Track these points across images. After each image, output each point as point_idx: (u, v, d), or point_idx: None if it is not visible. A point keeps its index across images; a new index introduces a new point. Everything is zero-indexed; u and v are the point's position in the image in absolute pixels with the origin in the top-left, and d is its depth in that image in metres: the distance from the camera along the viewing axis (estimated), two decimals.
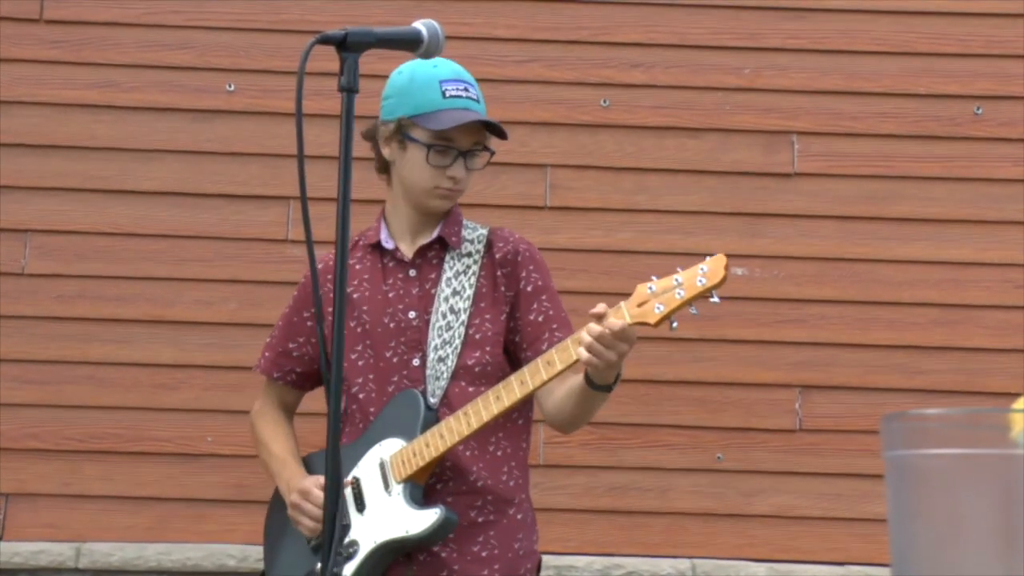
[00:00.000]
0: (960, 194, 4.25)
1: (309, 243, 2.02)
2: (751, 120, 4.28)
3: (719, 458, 4.16)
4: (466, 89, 2.63)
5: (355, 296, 2.69)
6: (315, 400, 2.81)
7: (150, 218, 4.21)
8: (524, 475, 2.71)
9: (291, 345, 2.80)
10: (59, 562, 4.03)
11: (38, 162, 4.21)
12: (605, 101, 4.28)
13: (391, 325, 2.65)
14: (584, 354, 2.35)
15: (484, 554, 2.59)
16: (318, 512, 2.55)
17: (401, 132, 2.63)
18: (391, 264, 2.70)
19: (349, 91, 2.08)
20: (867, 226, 4.24)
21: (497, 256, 2.68)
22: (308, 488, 2.59)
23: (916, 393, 4.15)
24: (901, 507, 1.26)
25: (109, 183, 4.22)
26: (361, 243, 2.77)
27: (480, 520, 2.60)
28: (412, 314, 2.64)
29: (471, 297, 2.64)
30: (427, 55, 2.25)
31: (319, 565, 2.52)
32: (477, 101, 2.65)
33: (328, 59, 2.15)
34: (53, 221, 4.20)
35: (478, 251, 2.68)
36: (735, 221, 4.24)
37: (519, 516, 2.66)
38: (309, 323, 2.76)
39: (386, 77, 4.19)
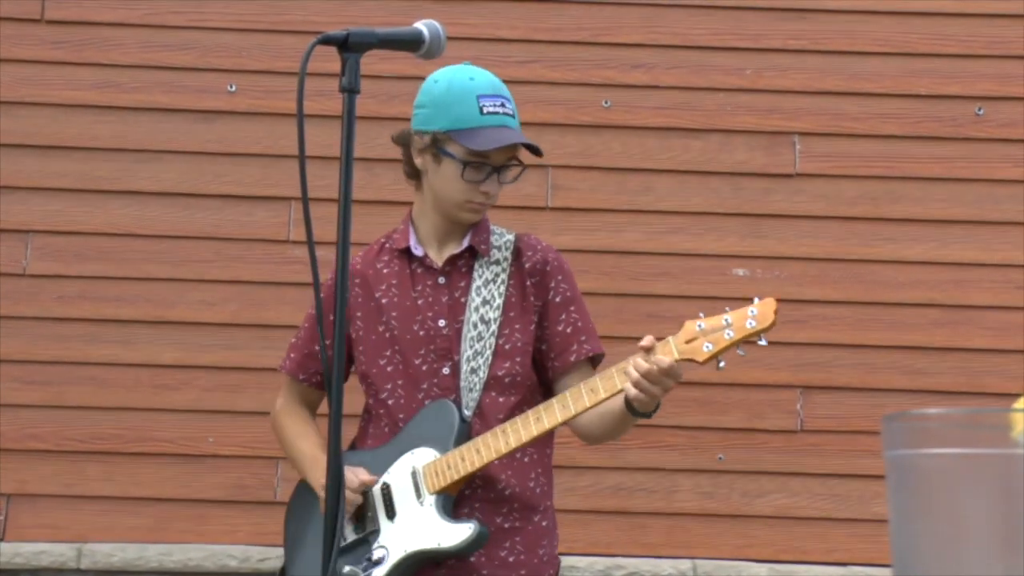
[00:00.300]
0: (961, 195, 4.25)
1: (310, 244, 2.02)
2: (753, 121, 4.28)
3: (720, 459, 4.15)
4: (503, 104, 2.62)
5: (384, 301, 2.70)
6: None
7: (151, 219, 4.21)
8: (549, 482, 2.73)
9: (317, 347, 2.79)
10: (60, 563, 4.03)
11: (39, 162, 4.22)
12: (606, 102, 4.28)
13: (420, 333, 2.65)
14: (632, 390, 2.40)
15: (511, 559, 2.62)
16: (350, 495, 2.58)
17: (436, 145, 2.61)
18: (419, 270, 2.70)
19: (350, 92, 2.08)
20: (868, 227, 4.24)
21: (527, 265, 2.69)
22: (347, 479, 2.59)
23: (917, 394, 4.15)
24: (902, 507, 1.26)
25: (110, 183, 4.22)
26: (388, 247, 2.77)
27: (507, 526, 2.63)
28: (442, 322, 2.65)
29: (501, 307, 2.64)
30: (428, 56, 2.25)
31: (347, 568, 2.55)
32: (512, 116, 2.63)
33: (329, 60, 2.15)
34: (54, 221, 4.20)
35: (506, 258, 2.69)
36: (736, 222, 4.24)
37: (544, 523, 2.69)
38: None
39: (388, 78, 4.20)
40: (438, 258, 2.70)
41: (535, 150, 2.63)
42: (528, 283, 2.68)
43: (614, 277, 4.18)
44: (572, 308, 2.70)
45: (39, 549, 4.04)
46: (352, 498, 2.60)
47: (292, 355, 2.85)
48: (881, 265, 4.22)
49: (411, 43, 2.22)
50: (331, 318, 2.74)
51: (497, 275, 2.67)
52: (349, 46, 2.09)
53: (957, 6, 4.30)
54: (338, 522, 2.03)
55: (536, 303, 2.68)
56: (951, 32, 4.29)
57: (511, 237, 2.73)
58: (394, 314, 2.67)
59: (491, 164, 2.60)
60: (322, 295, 2.78)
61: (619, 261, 4.18)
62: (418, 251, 2.70)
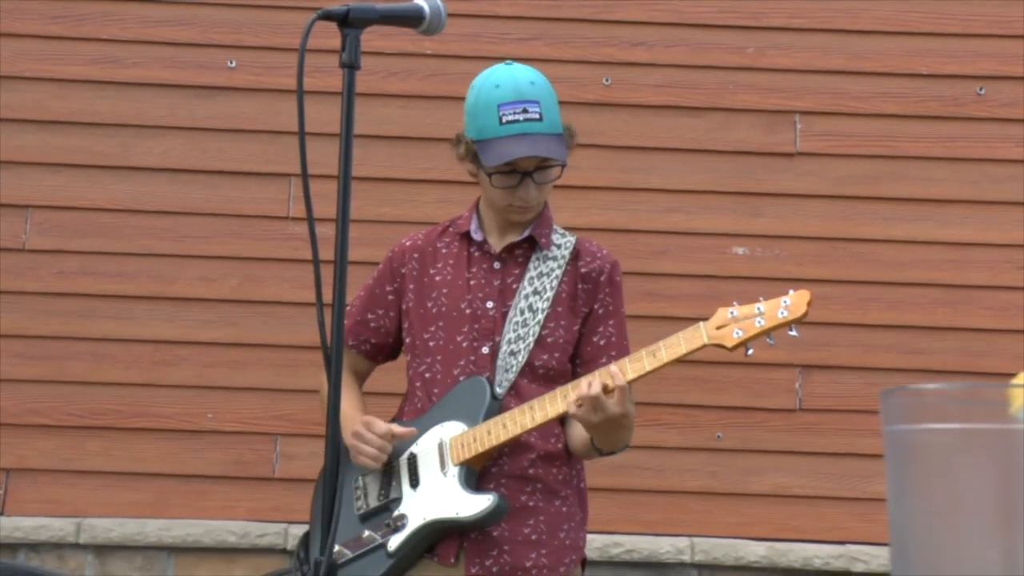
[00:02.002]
0: (962, 174, 4.25)
1: (310, 220, 2.02)
2: (753, 99, 4.27)
3: (719, 437, 4.16)
4: (524, 110, 2.60)
5: (437, 278, 2.74)
6: (375, 381, 2.89)
7: (151, 194, 4.21)
8: (571, 470, 2.77)
9: (370, 316, 2.82)
10: (60, 537, 4.04)
11: (39, 138, 4.21)
12: (607, 80, 4.28)
13: (467, 311, 2.68)
14: (574, 408, 2.48)
15: (534, 537, 2.65)
16: (378, 441, 2.60)
17: (471, 154, 2.67)
18: (477, 254, 2.74)
19: (351, 67, 2.07)
20: (869, 206, 4.24)
21: (583, 270, 2.73)
22: (371, 419, 2.63)
23: (916, 373, 4.16)
24: (900, 482, 1.27)
25: (110, 159, 4.22)
26: (451, 230, 2.80)
27: (531, 504, 2.65)
28: (490, 304, 2.69)
29: (550, 299, 2.68)
30: (429, 32, 2.24)
31: (366, 532, 2.57)
32: (540, 119, 2.60)
33: (330, 36, 2.14)
34: (54, 197, 4.20)
35: (563, 257, 2.72)
36: (737, 200, 4.24)
37: (564, 508, 2.72)
38: (391, 296, 2.79)
39: (388, 55, 4.19)
40: (497, 245, 2.74)
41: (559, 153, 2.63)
42: (580, 287, 2.72)
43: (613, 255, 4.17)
44: (611, 322, 2.74)
45: (38, 524, 4.05)
46: (377, 443, 2.60)
47: (345, 321, 2.85)
48: (881, 244, 4.22)
49: (412, 19, 2.21)
50: (387, 289, 2.79)
51: (552, 270, 2.71)
52: (349, 22, 2.08)
53: None
54: (336, 503, 2.02)
55: (583, 309, 2.72)
56: (952, 11, 4.29)
57: (572, 239, 2.77)
58: (444, 291, 2.72)
59: (519, 171, 2.62)
60: (384, 266, 2.80)
61: (619, 239, 4.18)
62: (477, 236, 2.75)
